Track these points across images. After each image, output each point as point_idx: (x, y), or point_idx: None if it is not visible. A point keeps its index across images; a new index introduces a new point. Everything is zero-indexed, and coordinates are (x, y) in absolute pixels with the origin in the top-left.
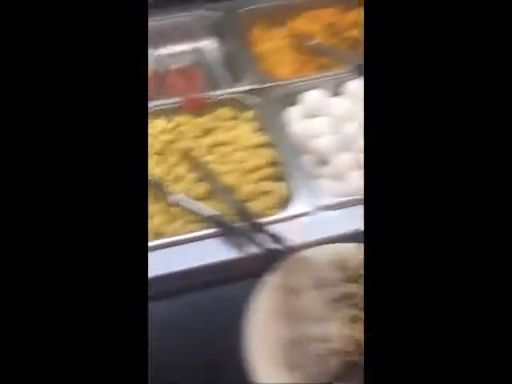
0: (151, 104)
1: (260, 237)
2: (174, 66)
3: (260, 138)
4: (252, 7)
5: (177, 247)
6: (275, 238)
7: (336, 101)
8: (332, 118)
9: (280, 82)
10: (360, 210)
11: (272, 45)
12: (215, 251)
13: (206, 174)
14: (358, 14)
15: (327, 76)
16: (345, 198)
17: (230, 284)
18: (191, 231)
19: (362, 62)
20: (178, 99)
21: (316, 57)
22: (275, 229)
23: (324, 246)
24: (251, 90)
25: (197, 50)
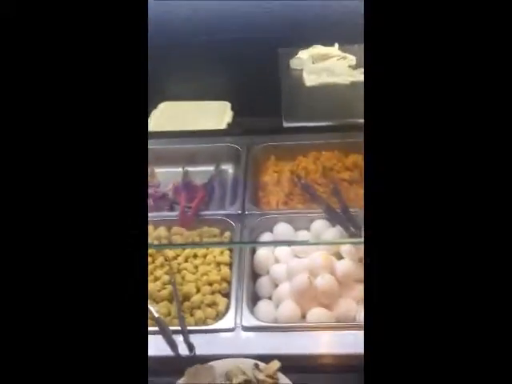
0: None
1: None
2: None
3: (226, 258)
4: (267, 144)
5: None
6: (189, 346)
7: (300, 234)
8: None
9: (257, 212)
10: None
11: (273, 176)
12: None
13: (174, 279)
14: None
15: (299, 212)
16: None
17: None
18: None
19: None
20: (175, 213)
21: (302, 193)
22: (193, 338)
23: (226, 359)
24: (236, 214)
25: (218, 172)
